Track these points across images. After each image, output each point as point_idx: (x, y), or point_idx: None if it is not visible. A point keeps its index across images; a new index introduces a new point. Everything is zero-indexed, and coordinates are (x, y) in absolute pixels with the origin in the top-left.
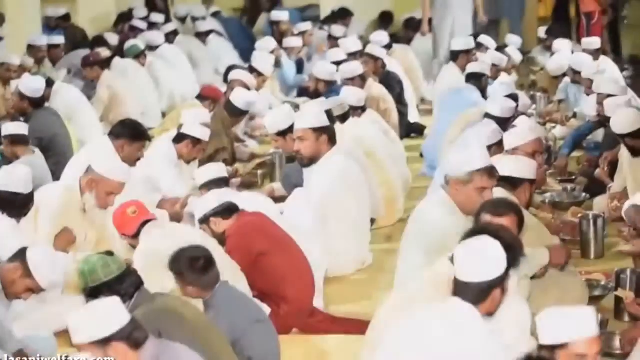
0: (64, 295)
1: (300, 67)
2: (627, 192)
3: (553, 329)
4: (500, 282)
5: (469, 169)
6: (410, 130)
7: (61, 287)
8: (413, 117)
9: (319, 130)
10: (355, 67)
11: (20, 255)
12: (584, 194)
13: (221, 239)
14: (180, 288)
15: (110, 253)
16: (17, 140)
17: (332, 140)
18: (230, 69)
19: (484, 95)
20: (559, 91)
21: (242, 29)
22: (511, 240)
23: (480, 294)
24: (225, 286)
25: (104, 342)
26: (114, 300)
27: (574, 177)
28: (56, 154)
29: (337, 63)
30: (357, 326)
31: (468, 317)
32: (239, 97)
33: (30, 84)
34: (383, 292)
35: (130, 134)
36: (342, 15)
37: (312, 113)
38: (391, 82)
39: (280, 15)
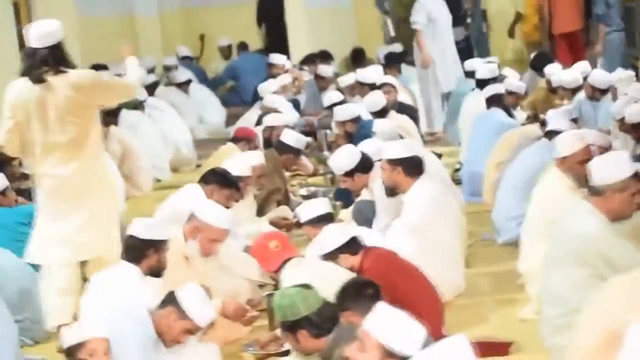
0: (199, 344)
1: (296, 106)
2: None
3: None
4: None
5: (626, 175)
6: None
7: (198, 337)
8: None
9: (393, 162)
10: (380, 99)
11: (170, 298)
12: None
13: None
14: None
15: (307, 286)
16: None
17: (414, 171)
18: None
19: (511, 115)
20: (573, 109)
21: (200, 73)
22: None
23: None
24: None
25: None
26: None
27: None
28: None
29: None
30: (494, 348)
31: None
32: (289, 136)
33: None
34: (497, 315)
35: (220, 181)
36: (323, 57)
37: (390, 146)
38: (409, 112)
39: (276, 58)
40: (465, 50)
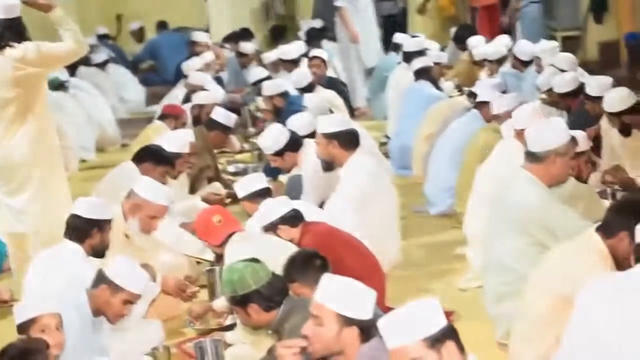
0: (142, 321)
1: (219, 84)
2: (619, 167)
3: None
4: None
5: (567, 139)
6: None
7: (142, 314)
8: None
9: (329, 136)
10: (305, 74)
11: (100, 276)
12: None
13: None
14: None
15: (255, 260)
16: None
17: (350, 144)
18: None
19: (438, 88)
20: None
21: (118, 53)
22: None
23: None
24: None
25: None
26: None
27: None
28: None
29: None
30: None
31: None
32: (220, 113)
33: None
34: (435, 285)
35: (154, 158)
36: (243, 36)
37: (324, 120)
38: (338, 86)
39: (199, 35)
40: (395, 24)
